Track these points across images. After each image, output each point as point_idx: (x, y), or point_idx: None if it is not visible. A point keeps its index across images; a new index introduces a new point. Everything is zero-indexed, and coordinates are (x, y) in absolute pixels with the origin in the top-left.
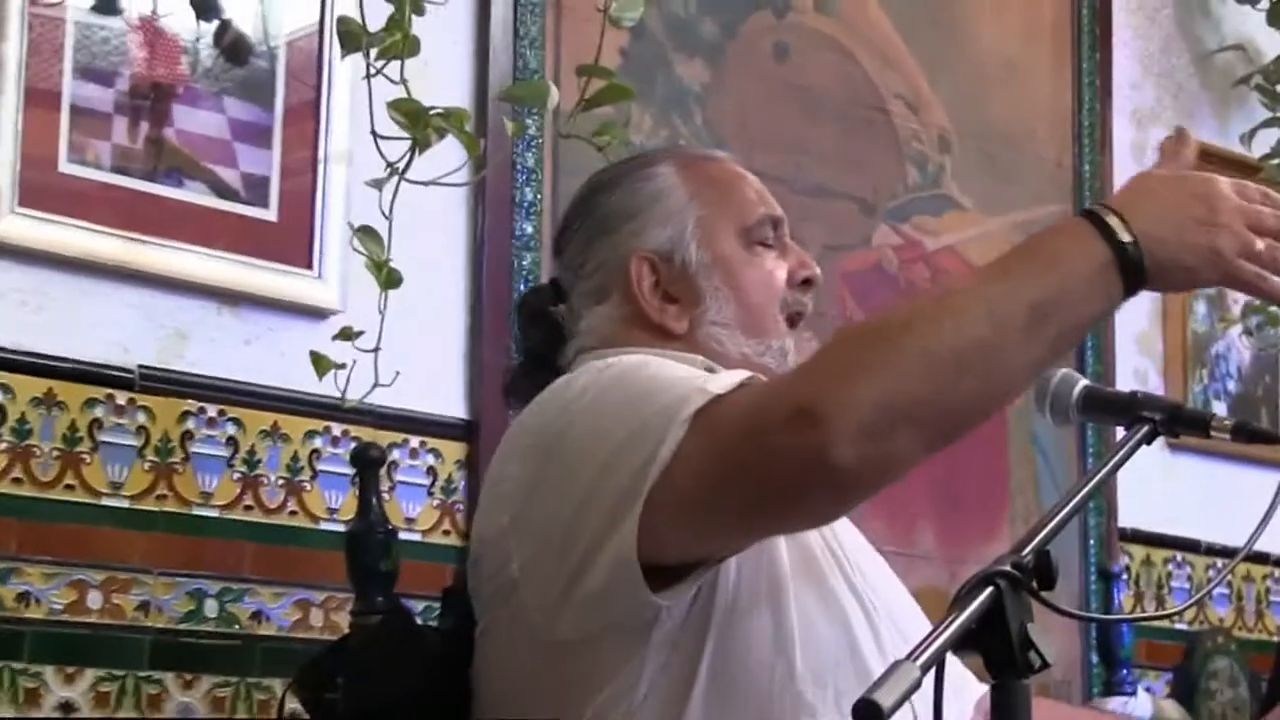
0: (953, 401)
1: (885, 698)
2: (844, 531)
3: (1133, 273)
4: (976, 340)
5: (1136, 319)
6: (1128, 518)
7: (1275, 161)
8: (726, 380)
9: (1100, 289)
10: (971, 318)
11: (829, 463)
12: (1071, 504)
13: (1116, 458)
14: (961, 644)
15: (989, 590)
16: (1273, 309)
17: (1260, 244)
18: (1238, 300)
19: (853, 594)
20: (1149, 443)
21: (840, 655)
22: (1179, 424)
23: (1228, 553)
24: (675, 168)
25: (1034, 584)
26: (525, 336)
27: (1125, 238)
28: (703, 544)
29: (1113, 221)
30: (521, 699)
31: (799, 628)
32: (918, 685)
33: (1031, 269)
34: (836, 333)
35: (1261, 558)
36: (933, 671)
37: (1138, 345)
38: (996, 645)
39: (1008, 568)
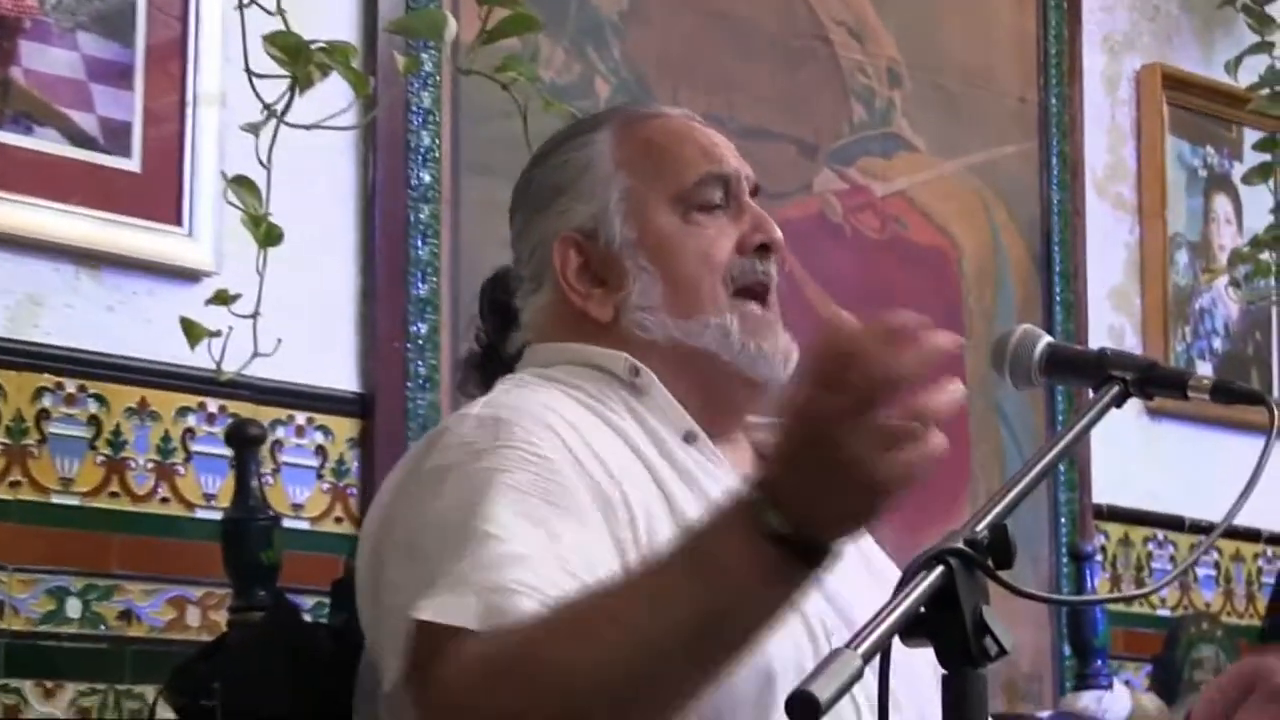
0: None
1: (822, 690)
2: None
3: (809, 559)
4: (621, 673)
5: (1111, 272)
6: (1103, 493)
7: (1264, 92)
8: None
9: (774, 593)
10: (617, 646)
11: None
12: (1033, 474)
13: (1083, 422)
14: (909, 630)
15: (939, 570)
16: (1263, 256)
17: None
18: (1224, 248)
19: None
20: (1119, 405)
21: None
22: (1152, 384)
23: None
24: (611, 132)
25: (989, 562)
26: (482, 326)
27: (785, 531)
28: None
29: (771, 518)
30: None
31: None
32: (858, 675)
33: (690, 581)
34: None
35: (1252, 534)
36: (876, 661)
37: (1112, 301)
38: (948, 631)
39: (959, 544)
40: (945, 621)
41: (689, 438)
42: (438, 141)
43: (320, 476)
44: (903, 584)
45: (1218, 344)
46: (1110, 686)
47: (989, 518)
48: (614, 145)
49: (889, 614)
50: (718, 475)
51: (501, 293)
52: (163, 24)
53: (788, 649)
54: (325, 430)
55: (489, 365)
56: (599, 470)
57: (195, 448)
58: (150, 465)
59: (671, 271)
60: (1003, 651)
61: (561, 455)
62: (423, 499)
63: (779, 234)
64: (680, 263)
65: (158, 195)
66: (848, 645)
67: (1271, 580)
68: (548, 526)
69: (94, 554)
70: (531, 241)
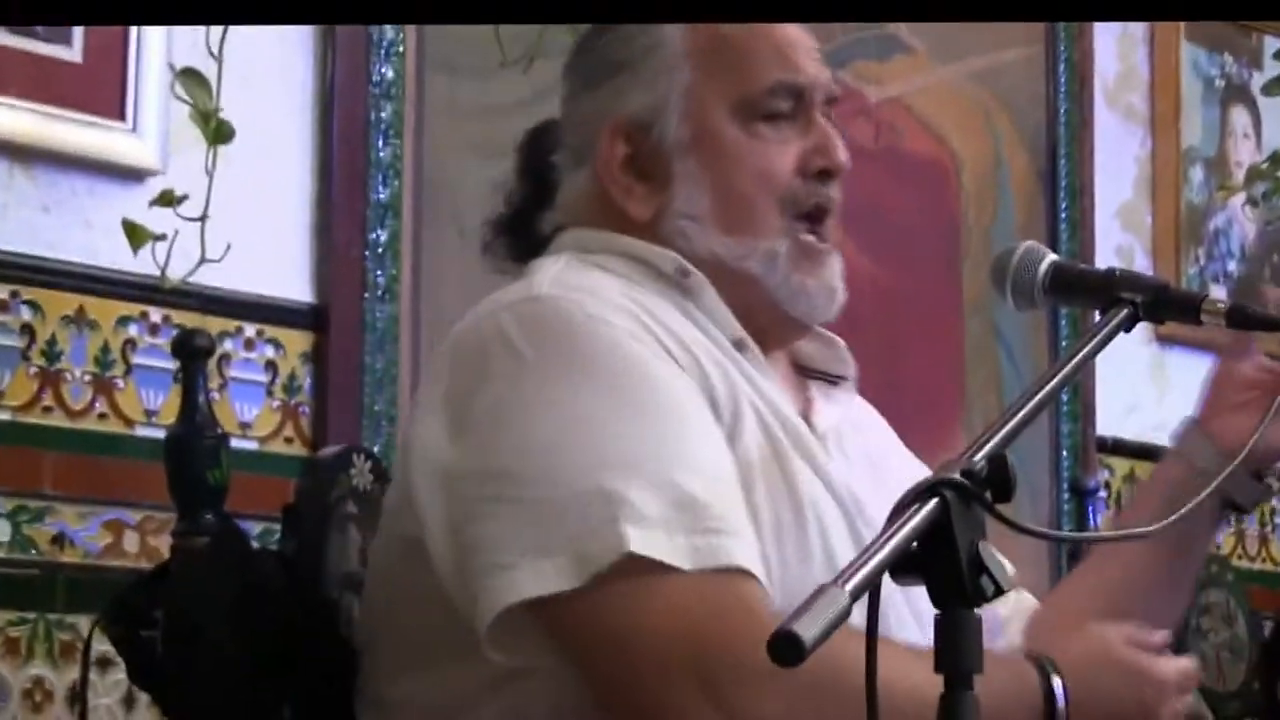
0: None
1: (807, 629)
2: (862, 477)
3: None
4: None
5: (1120, 188)
6: (1108, 425)
7: None
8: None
9: None
10: None
11: None
12: (1034, 401)
13: (1089, 346)
14: (900, 566)
15: (933, 502)
16: None
17: None
18: (1241, 164)
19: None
20: (1128, 329)
21: None
22: (1163, 307)
23: None
24: None
25: (987, 495)
26: (516, 186)
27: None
28: None
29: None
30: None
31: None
32: (846, 614)
33: None
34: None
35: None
36: (865, 599)
37: (1121, 219)
38: (942, 568)
39: (956, 476)
40: (939, 558)
41: (739, 345)
42: (401, 35)
43: (270, 393)
44: (895, 517)
45: (1233, 266)
46: None
47: (988, 448)
48: (687, 30)
49: (879, 549)
50: (772, 387)
51: (542, 151)
52: None
53: (847, 545)
54: (276, 344)
55: (519, 232)
56: (692, 365)
57: (137, 360)
58: (88, 378)
59: (724, 184)
60: (1000, 590)
61: (656, 349)
62: (536, 385)
63: (844, 157)
64: (735, 177)
65: (100, 87)
66: (835, 581)
67: None
68: (694, 445)
69: (25, 473)
70: (580, 113)
